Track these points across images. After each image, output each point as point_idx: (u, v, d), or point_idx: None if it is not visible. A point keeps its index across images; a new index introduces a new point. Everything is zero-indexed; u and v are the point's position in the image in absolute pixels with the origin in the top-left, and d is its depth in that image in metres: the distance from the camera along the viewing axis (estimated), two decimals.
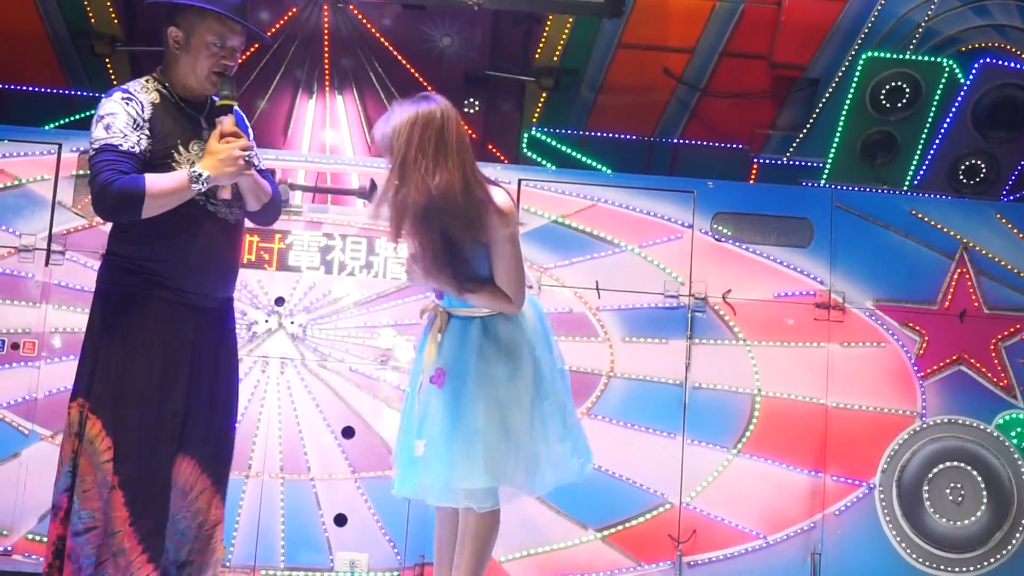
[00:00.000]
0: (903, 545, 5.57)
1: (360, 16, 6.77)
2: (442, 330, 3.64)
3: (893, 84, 6.49)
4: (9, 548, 5.34)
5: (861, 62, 6.49)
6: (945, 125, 6.58)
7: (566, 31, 6.88)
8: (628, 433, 5.59)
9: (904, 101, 6.51)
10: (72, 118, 6.61)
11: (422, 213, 3.46)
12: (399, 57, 6.84)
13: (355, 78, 6.96)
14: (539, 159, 6.75)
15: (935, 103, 6.53)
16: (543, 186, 5.76)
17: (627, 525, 5.55)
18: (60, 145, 5.59)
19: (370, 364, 5.60)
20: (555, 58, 7.01)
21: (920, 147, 6.60)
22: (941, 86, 6.51)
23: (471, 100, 7.00)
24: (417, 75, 6.84)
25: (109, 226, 5.08)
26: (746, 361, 5.66)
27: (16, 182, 5.56)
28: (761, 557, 5.57)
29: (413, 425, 3.66)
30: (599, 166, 6.71)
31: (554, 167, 6.47)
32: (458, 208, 3.46)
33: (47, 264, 5.51)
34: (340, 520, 5.50)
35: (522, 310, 3.65)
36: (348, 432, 5.55)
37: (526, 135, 6.89)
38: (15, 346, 5.46)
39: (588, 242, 5.72)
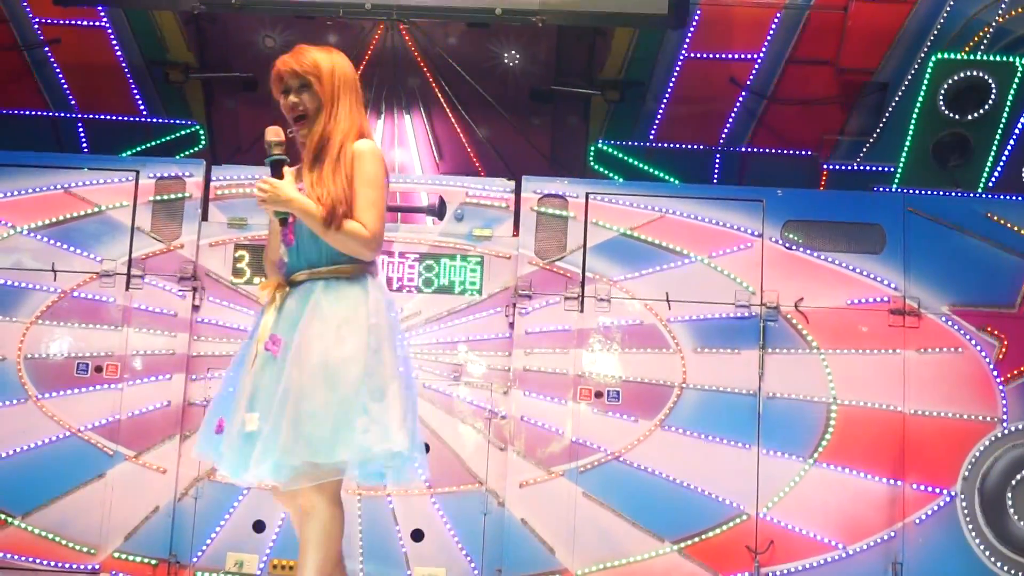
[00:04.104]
0: (987, 553, 5.47)
1: (426, 36, 6.84)
2: (281, 300, 3.47)
3: (964, 86, 6.39)
4: (97, 566, 5.47)
5: (931, 64, 6.40)
6: (1019, 126, 6.46)
7: (630, 44, 6.89)
8: (702, 444, 5.57)
9: (976, 102, 6.40)
10: (148, 145, 6.78)
11: (340, 147, 3.46)
12: (465, 75, 6.90)
13: (422, 97, 7.03)
14: (606, 172, 6.76)
15: (1008, 103, 6.41)
16: (611, 199, 5.77)
17: (704, 537, 5.52)
18: (138, 172, 5.74)
19: (443, 380, 5.65)
20: (620, 71, 7.03)
21: (994, 148, 6.48)
22: (1014, 86, 6.39)
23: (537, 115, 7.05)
24: (483, 92, 6.90)
25: (186, 250, 5.14)
26: (820, 370, 5.61)
27: (96, 209, 5.72)
28: (841, 567, 5.50)
29: (243, 399, 3.39)
30: (667, 177, 6.71)
31: (621, 179, 6.48)
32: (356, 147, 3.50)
33: (127, 288, 5.65)
34: (417, 535, 5.55)
35: (373, 292, 3.49)
36: (423, 448, 5.58)
37: (593, 148, 6.90)
38: (98, 369, 5.60)
39: (657, 254, 5.72)
